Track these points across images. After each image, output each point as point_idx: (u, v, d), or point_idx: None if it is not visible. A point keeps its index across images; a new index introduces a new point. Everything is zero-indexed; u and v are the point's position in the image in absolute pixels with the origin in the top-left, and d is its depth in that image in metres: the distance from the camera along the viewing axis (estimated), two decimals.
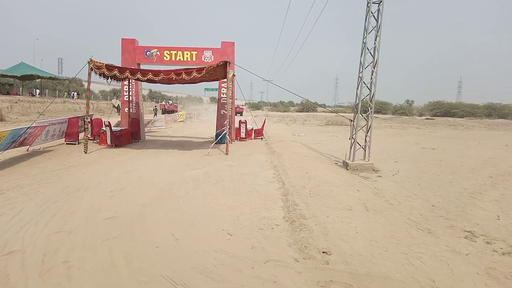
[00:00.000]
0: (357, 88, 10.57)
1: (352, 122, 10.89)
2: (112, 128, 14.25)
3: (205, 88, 54.87)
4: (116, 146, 13.94)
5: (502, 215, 6.39)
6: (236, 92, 18.14)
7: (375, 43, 10.41)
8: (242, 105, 57.19)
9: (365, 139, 10.71)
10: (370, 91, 10.57)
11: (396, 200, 7.16)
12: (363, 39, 10.34)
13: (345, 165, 10.58)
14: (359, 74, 10.51)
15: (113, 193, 7.05)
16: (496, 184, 8.82)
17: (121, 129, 15.07)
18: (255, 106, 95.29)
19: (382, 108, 76.24)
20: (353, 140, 10.70)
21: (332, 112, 34.76)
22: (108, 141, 13.85)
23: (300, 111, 79.31)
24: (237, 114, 53.24)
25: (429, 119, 59.53)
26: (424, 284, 3.66)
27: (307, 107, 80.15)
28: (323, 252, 4.36)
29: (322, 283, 3.64)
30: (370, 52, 10.43)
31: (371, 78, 10.51)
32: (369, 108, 10.66)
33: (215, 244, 4.65)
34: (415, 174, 9.83)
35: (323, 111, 74.41)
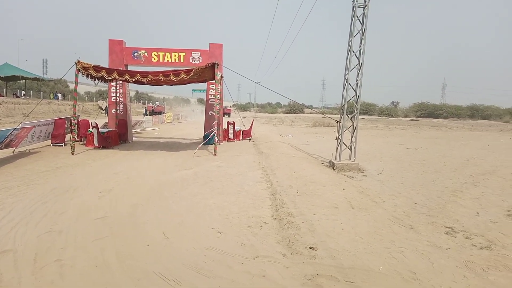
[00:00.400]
0: (343, 90, 10.81)
1: (338, 123, 11.12)
2: (99, 129, 14.19)
3: (193, 90, 54.81)
4: (103, 147, 13.89)
5: (482, 211, 6.66)
6: (224, 93, 18.26)
7: (360, 46, 10.67)
8: (230, 107, 57.21)
9: (351, 139, 10.96)
10: (356, 92, 10.82)
11: (381, 198, 7.38)
12: (349, 42, 10.59)
13: (332, 165, 10.80)
14: (345, 76, 10.76)
15: (102, 194, 7.08)
16: (477, 182, 9.14)
17: (108, 130, 15.01)
18: (243, 108, 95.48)
19: (368, 110, 77.38)
20: (339, 140, 10.93)
21: (319, 113, 35.06)
22: (95, 143, 13.80)
23: (287, 113, 79.92)
24: (225, 116, 53.35)
25: (413, 120, 60.62)
26: (406, 276, 3.86)
27: (295, 108, 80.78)
28: (310, 248, 4.52)
29: (309, 276, 3.80)
30: (355, 55, 10.68)
31: (357, 80, 10.76)
32: (354, 109, 10.91)
33: (205, 242, 4.76)
34: (399, 174, 10.10)
35: (310, 113, 75.27)
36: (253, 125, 21.34)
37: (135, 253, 4.34)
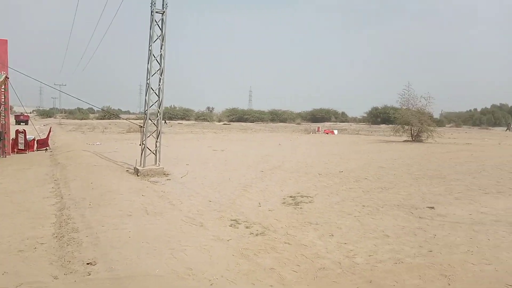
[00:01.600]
0: (146, 95, 10.66)
1: (142, 128, 10.88)
2: None
3: None
4: None
5: (263, 202, 7.65)
6: (13, 98, 15.43)
7: (161, 51, 10.75)
8: (29, 113, 48.96)
9: (156, 144, 10.90)
10: (159, 97, 10.82)
11: (179, 200, 7.57)
12: (149, 47, 10.51)
13: (136, 171, 10.48)
14: (147, 81, 10.62)
15: None
16: (264, 177, 10.51)
17: None
18: (46, 114, 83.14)
19: (185, 115, 79.64)
20: (143, 146, 10.70)
21: (137, 119, 33.86)
22: None
23: (101, 119, 73.89)
24: (22, 123, 45.33)
25: (226, 124, 65.96)
26: (182, 273, 4.01)
27: (109, 114, 75.45)
28: (88, 264, 4.18)
29: None
30: (156, 60, 10.69)
31: (159, 85, 10.78)
32: (158, 114, 10.90)
33: None
34: (202, 174, 10.64)
35: (127, 119, 71.84)
36: (50, 133, 18.76)
37: None
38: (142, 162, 10.66)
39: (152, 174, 10.35)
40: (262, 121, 76.60)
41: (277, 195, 8.32)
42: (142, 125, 10.93)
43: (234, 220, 6.29)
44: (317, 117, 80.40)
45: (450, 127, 56.63)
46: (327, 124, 65.26)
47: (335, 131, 38.07)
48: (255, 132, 41.23)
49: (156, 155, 10.91)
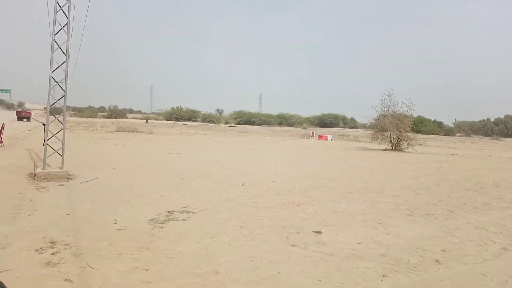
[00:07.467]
0: (48, 89, 9.59)
1: (44, 126, 9.82)
2: None
3: None
4: None
5: (130, 217, 6.40)
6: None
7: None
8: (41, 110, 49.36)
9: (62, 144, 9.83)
10: (65, 91, 9.75)
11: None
12: (53, 36, 9.46)
13: (33, 175, 9.40)
14: (50, 73, 9.56)
15: None
16: (176, 185, 9.29)
17: None
18: (56, 111, 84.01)
19: (192, 116, 79.02)
20: (46, 146, 9.64)
21: (143, 118, 33.30)
22: None
23: (107, 117, 74.24)
24: (24, 119, 45.73)
25: (231, 126, 64.90)
26: None
27: (116, 113, 75.73)
28: None
29: None
30: (62, 51, 9.63)
31: (65, 79, 9.72)
32: (63, 110, 9.83)
33: None
34: (110, 180, 9.46)
35: (133, 118, 72.19)
36: (3, 130, 18.04)
37: None
38: (44, 164, 9.59)
39: (50, 178, 9.25)
40: (269, 124, 75.26)
41: (158, 209, 6.99)
42: (45, 122, 9.87)
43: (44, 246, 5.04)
44: (326, 121, 78.53)
45: (460, 136, 53.86)
46: (333, 129, 63.45)
47: (329, 137, 36.42)
48: (251, 135, 40.12)
49: (62, 156, 9.82)
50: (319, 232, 5.77)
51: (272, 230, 5.84)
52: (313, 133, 40.52)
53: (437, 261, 4.89)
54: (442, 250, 5.30)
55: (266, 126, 72.31)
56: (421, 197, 8.82)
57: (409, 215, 7.07)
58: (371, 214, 7.00)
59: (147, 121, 58.57)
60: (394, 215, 7.02)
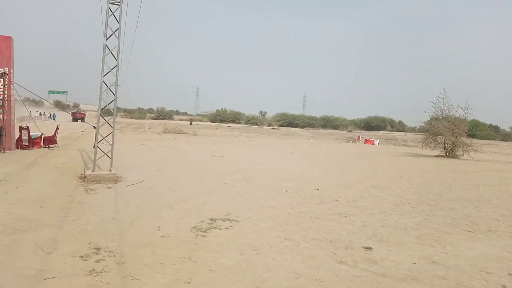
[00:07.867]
0: (100, 93, 9.91)
1: (95, 129, 10.16)
2: None
3: (49, 91, 48.13)
4: None
5: (173, 224, 6.37)
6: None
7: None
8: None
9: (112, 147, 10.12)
10: (115, 95, 10.03)
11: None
12: (105, 41, 9.77)
13: (83, 177, 9.74)
14: (102, 78, 9.87)
15: None
16: (219, 190, 9.20)
17: None
18: (108, 113, 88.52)
19: (236, 118, 79.88)
20: (97, 148, 9.97)
21: (188, 120, 34.22)
22: None
23: (155, 119, 77.04)
24: (78, 120, 48.30)
25: (274, 128, 64.67)
26: None
27: (163, 114, 78.41)
28: None
29: None
30: (113, 55, 9.91)
31: (116, 83, 10.00)
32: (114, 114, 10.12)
33: None
34: (157, 184, 9.58)
35: (179, 119, 74.28)
36: (58, 131, 19.09)
37: None
38: (93, 166, 9.92)
39: (98, 180, 9.53)
40: (312, 127, 74.20)
41: (201, 215, 6.91)
42: (95, 125, 10.20)
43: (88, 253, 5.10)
44: (372, 125, 76.02)
45: None
46: (380, 133, 61.18)
47: (376, 141, 35.01)
48: (294, 138, 39.65)
49: (111, 159, 10.12)
50: (369, 248, 5.36)
51: (317, 244, 5.51)
52: (359, 136, 39.24)
53: (504, 286, 4.34)
54: (508, 274, 4.71)
55: (309, 128, 71.36)
56: (481, 210, 8.05)
57: (469, 231, 6.43)
58: (426, 229, 6.44)
59: (191, 123, 60.01)
60: (452, 231, 6.41)
